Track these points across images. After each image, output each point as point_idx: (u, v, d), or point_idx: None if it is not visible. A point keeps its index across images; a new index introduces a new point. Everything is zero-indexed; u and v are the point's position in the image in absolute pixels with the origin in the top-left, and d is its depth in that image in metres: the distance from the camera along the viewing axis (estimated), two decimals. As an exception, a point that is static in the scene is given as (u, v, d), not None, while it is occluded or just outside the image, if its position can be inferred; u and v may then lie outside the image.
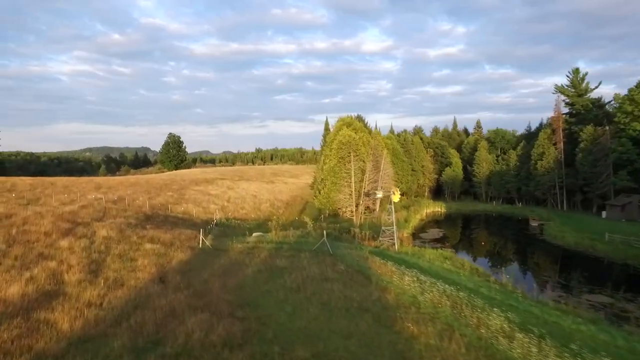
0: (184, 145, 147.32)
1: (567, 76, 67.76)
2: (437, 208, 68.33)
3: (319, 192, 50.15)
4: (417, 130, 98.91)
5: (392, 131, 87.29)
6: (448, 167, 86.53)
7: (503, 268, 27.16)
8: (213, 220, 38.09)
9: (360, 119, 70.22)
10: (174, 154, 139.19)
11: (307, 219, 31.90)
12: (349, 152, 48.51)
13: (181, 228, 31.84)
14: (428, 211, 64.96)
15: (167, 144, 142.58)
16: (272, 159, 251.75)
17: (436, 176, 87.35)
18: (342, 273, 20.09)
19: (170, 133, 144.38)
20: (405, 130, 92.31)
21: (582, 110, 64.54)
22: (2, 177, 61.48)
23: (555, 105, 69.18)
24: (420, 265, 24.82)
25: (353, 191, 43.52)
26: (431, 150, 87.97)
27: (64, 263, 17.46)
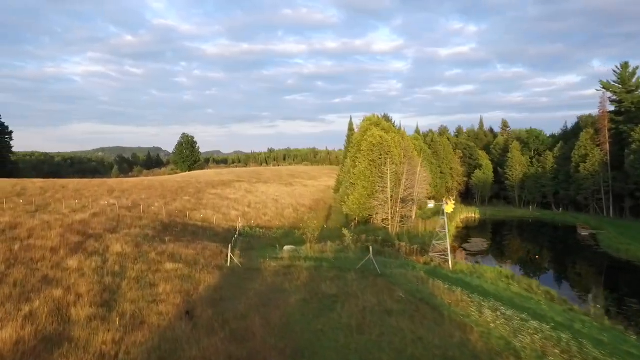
0: (197, 145, 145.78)
1: (615, 71, 63.05)
2: (471, 213, 64.32)
3: (348, 197, 46.82)
4: (444, 130, 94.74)
5: (418, 131, 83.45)
6: (478, 170, 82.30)
7: (589, 295, 23.41)
8: (236, 229, 35.15)
9: (387, 118, 66.72)
10: (188, 155, 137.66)
11: (345, 232, 28.47)
12: (381, 154, 45.14)
13: (203, 240, 28.91)
14: (462, 217, 61.07)
15: (180, 145, 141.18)
16: (285, 159, 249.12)
17: (465, 179, 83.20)
18: (404, 303, 16.77)
19: (184, 133, 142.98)
20: (431, 130, 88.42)
21: (632, 107, 59.77)
22: (13, 179, 59.98)
23: (600, 103, 64.45)
24: (486, 289, 21.31)
25: (389, 198, 40.14)
26: (460, 151, 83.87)
27: (71, 291, 14.58)
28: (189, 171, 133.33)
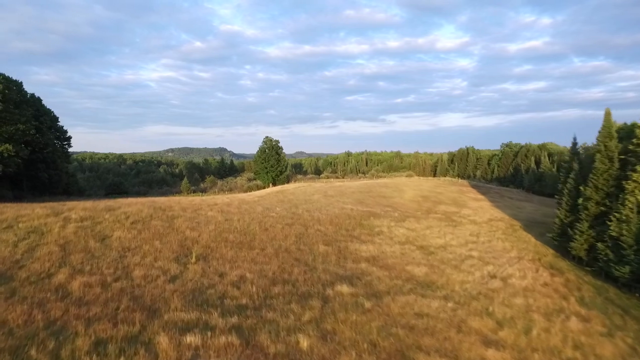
0: (282, 151, 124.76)
1: None
2: None
3: None
4: None
5: None
6: None
7: None
8: None
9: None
10: (273, 164, 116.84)
11: None
12: None
13: None
14: None
15: (262, 151, 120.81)
16: (367, 164, 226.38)
17: None
18: None
19: (267, 137, 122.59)
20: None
21: None
22: (54, 203, 40.62)
23: None
24: None
25: None
26: None
27: None
28: (273, 184, 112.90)
